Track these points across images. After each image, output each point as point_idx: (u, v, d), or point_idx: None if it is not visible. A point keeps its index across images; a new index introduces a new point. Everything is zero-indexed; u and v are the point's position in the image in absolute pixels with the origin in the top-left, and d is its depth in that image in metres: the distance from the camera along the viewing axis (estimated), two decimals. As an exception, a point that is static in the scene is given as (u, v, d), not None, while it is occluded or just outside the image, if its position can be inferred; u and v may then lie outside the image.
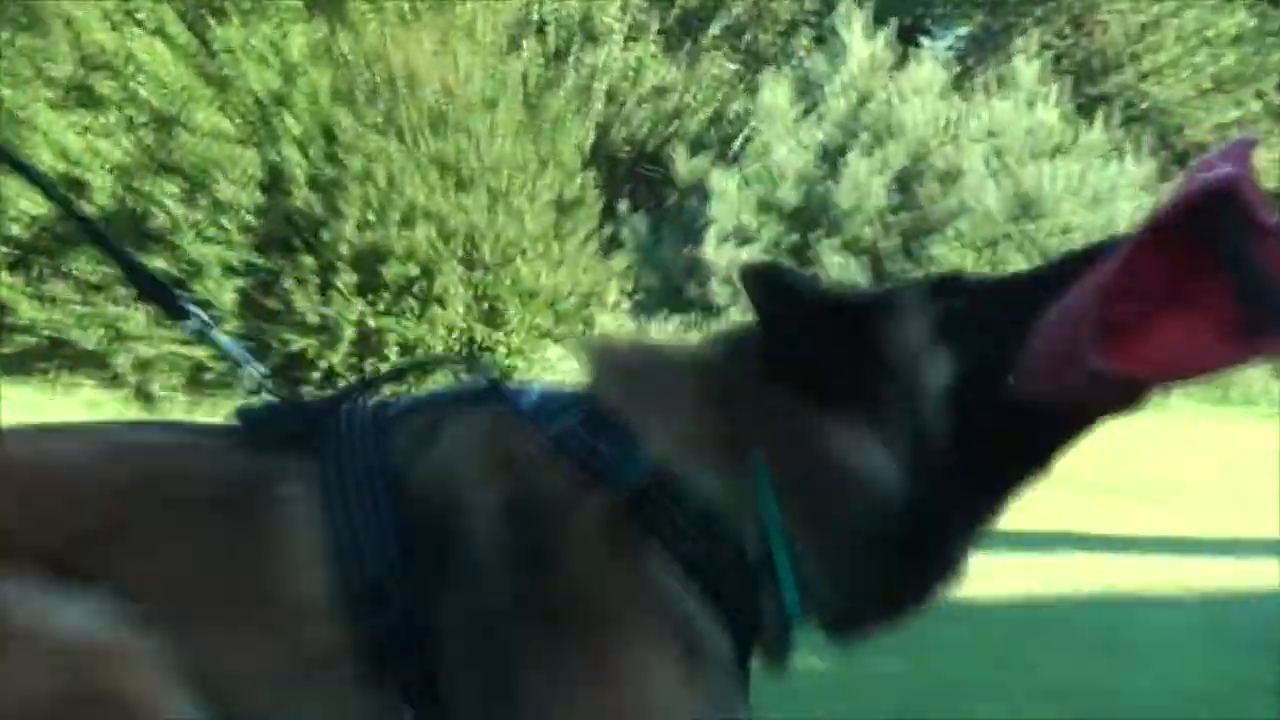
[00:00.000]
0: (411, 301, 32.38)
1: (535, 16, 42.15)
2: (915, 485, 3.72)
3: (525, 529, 3.74)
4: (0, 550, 3.68)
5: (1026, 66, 47.23)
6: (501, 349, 32.38)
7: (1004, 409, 3.72)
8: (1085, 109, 50.16)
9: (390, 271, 32.08)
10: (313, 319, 31.97)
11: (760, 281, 3.81)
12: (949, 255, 40.61)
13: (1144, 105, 50.35)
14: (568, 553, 3.71)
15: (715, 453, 3.74)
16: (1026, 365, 3.68)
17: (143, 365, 32.97)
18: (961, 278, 4.11)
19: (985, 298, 3.92)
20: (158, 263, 31.67)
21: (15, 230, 33.25)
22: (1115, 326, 3.54)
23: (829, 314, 3.81)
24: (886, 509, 3.70)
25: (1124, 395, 3.71)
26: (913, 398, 3.75)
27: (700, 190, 41.66)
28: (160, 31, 33.01)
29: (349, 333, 31.97)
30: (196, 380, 32.51)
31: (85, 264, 32.52)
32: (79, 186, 32.04)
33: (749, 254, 40.57)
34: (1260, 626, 14.05)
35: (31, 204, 31.80)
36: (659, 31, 45.40)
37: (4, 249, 33.69)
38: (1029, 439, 3.79)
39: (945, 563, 3.84)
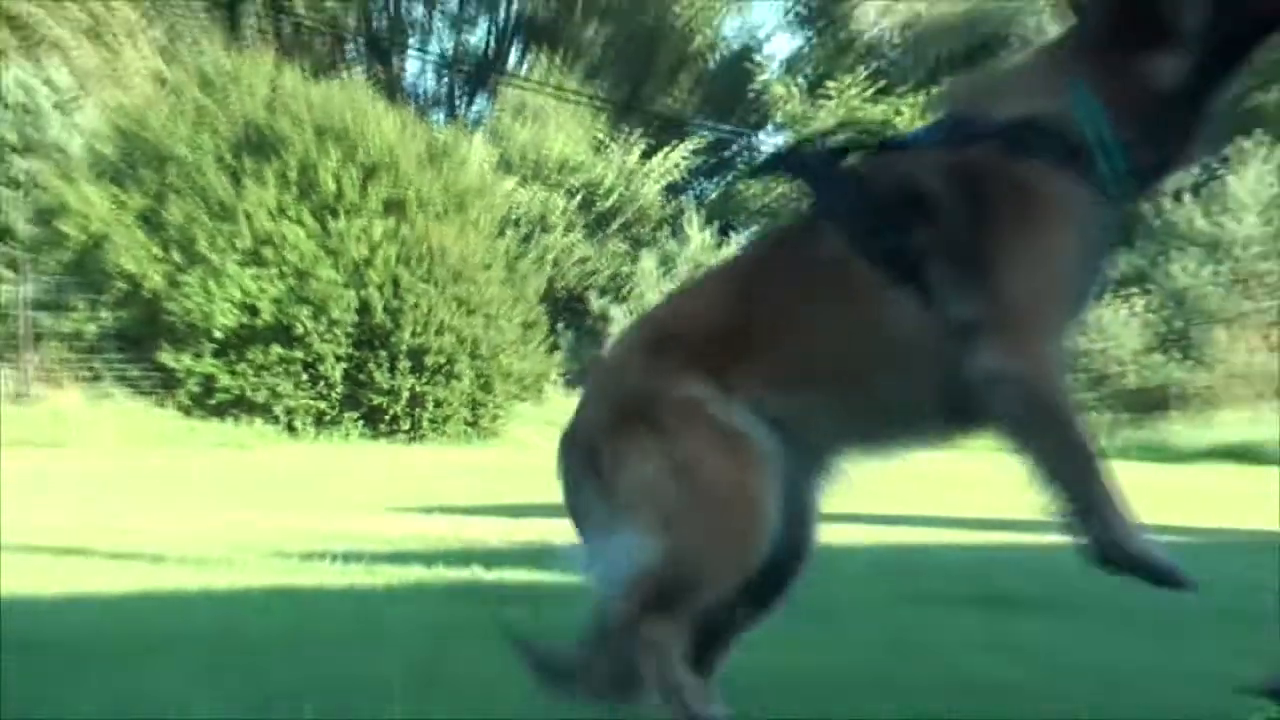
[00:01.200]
0: (440, 377, 37.11)
1: (513, 215, 45.71)
2: (1188, 75, 4.21)
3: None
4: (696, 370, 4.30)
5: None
6: (491, 405, 37.89)
7: (1238, 20, 4.23)
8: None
9: (429, 360, 36.87)
10: (384, 386, 36.90)
11: None
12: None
13: None
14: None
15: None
16: None
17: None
18: None
19: None
20: (297, 353, 36.69)
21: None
22: None
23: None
24: (1174, 94, 4.25)
25: None
26: (1185, 32, 4.20)
27: (605, 318, 44.16)
28: (299, 221, 36.83)
29: (405, 395, 36.89)
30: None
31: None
32: (254, 310, 36.20)
33: None
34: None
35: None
36: (584, 225, 48.77)
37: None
38: (1248, 41, 4.29)
39: (1206, 121, 4.36)
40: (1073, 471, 4.27)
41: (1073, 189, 4.31)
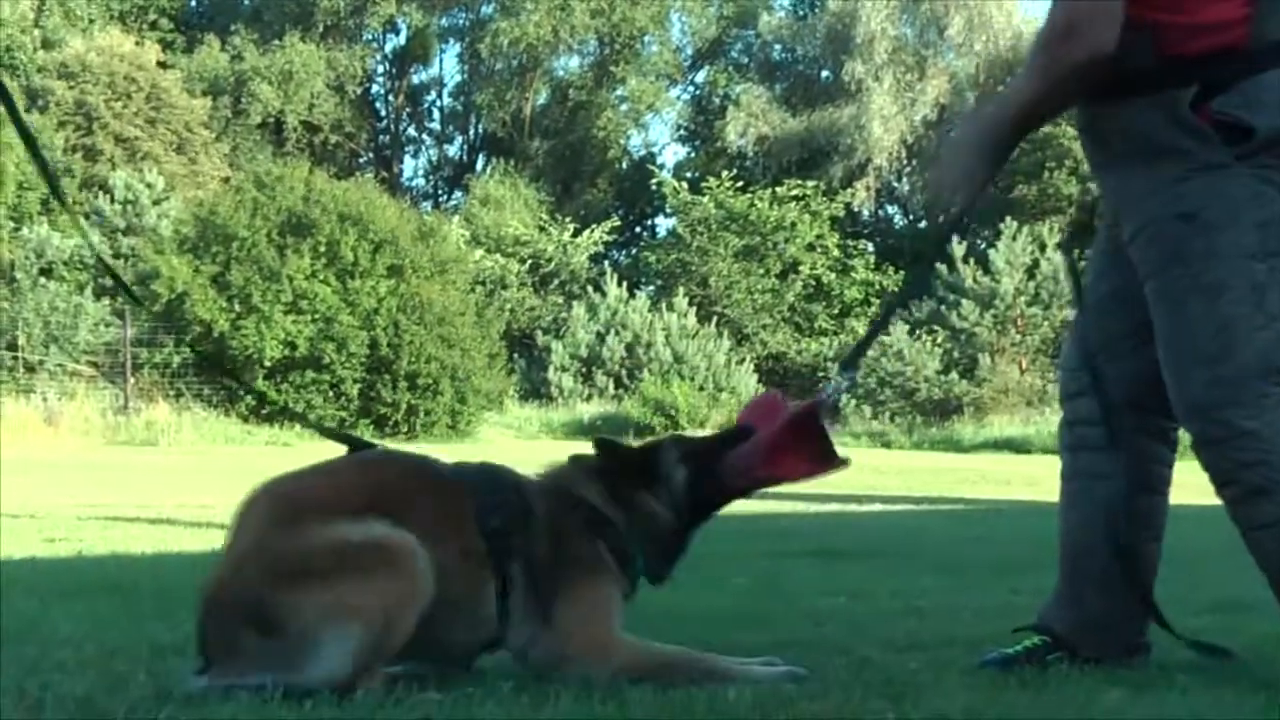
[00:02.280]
0: (429, 393, 36.96)
1: (481, 276, 45.99)
2: (675, 516, 4.36)
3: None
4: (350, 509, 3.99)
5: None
6: (466, 413, 37.61)
7: (711, 489, 4.40)
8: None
9: (420, 381, 36.82)
10: (389, 400, 36.89)
11: (604, 443, 4.40)
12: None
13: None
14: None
15: (612, 504, 4.29)
16: (728, 473, 4.38)
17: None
18: (688, 439, 4.63)
19: (701, 445, 4.52)
20: (325, 377, 36.67)
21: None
22: (767, 457, 4.33)
23: (640, 456, 4.43)
24: (665, 526, 4.34)
25: (766, 485, 4.53)
26: (670, 484, 4.34)
27: (548, 349, 44.31)
28: (326, 281, 36.88)
29: (403, 406, 36.79)
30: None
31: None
32: (293, 346, 36.40)
33: (570, 378, 43.90)
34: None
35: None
36: (532, 284, 49.12)
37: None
38: (717, 499, 4.41)
39: (686, 547, 4.43)
40: (683, 677, 4.13)
41: (617, 575, 4.33)
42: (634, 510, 4.39)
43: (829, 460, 4.41)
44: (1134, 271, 4.33)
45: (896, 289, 49.30)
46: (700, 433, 4.71)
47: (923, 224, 58.24)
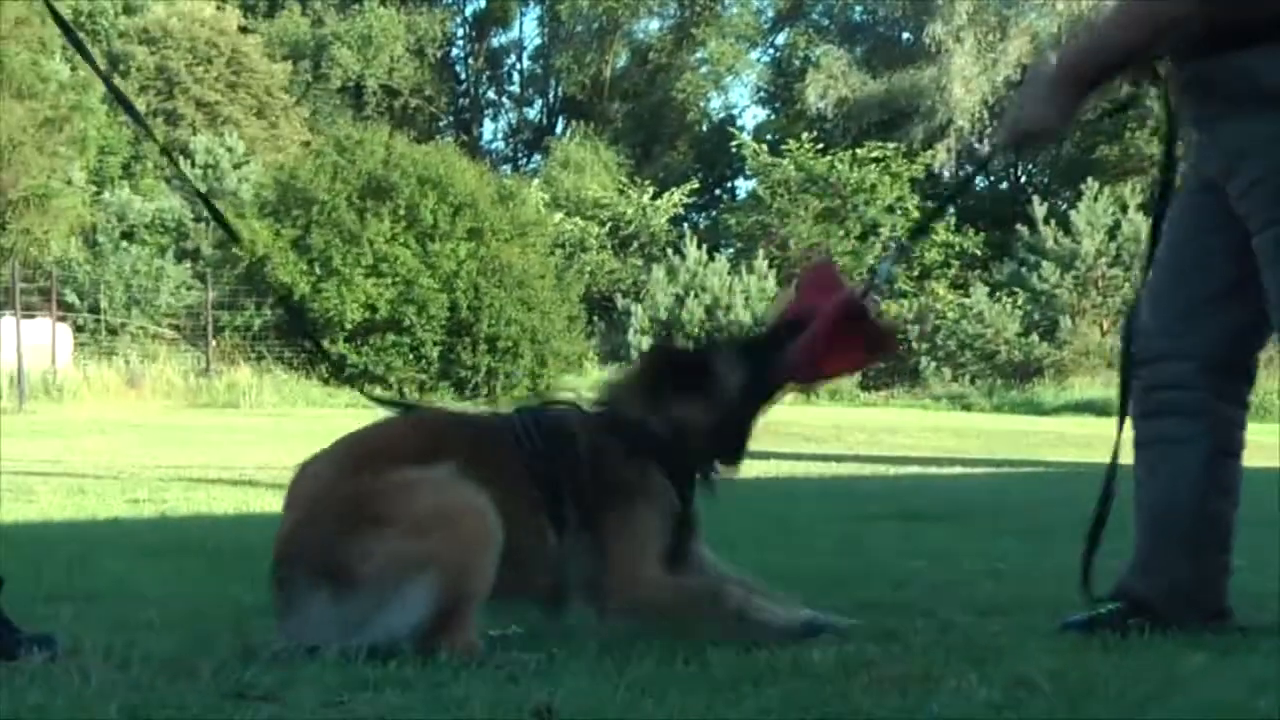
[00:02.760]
0: (508, 357, 37.25)
1: (560, 239, 45.95)
2: (732, 417, 4.40)
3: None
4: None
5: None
6: (546, 377, 37.31)
7: (768, 387, 4.45)
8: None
9: (500, 344, 37.04)
10: (468, 363, 37.02)
11: (659, 350, 4.65)
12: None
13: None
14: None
15: (661, 418, 4.35)
16: (784, 369, 4.43)
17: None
18: (743, 338, 4.70)
19: (757, 343, 4.53)
20: (405, 339, 36.79)
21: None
22: (816, 357, 4.38)
23: (693, 360, 4.48)
24: (722, 429, 4.39)
25: (824, 380, 4.74)
26: (726, 387, 4.36)
27: (627, 313, 43.73)
28: (406, 245, 36.87)
29: (483, 370, 36.93)
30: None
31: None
32: (374, 309, 36.48)
33: (650, 341, 40.57)
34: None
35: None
36: (611, 246, 48.90)
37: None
38: (775, 394, 4.43)
39: (746, 441, 4.46)
40: (717, 623, 4.28)
41: (666, 484, 4.39)
42: (686, 421, 4.43)
43: (883, 345, 4.56)
44: (1225, 233, 4.37)
45: (977, 250, 49.38)
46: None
47: (1004, 185, 58.36)
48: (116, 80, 45.93)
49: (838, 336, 4.42)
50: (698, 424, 4.43)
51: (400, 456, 4.13)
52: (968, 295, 44.91)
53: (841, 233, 49.58)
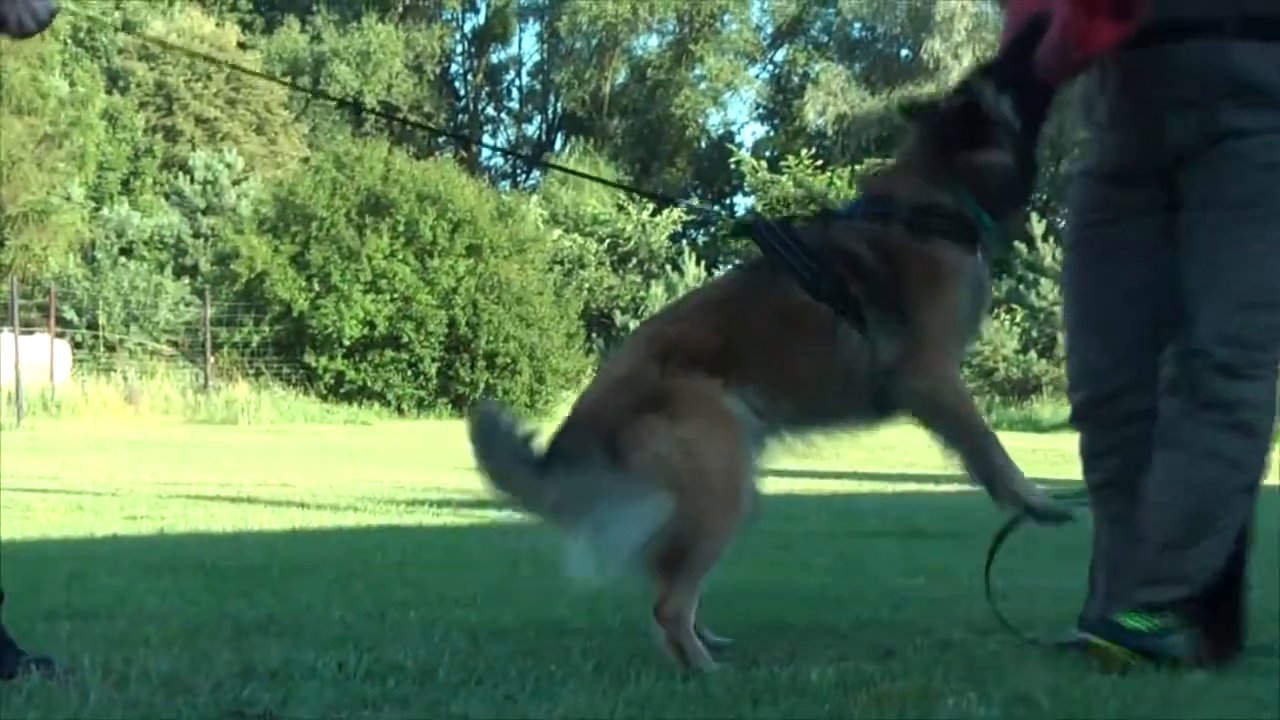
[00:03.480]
0: (507, 373, 37.01)
1: (559, 256, 45.74)
2: (1015, 149, 4.33)
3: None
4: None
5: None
6: (544, 393, 37.38)
7: (1038, 98, 4.39)
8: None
9: (499, 360, 36.90)
10: (467, 379, 36.76)
11: (915, 113, 4.57)
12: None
13: None
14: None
15: (936, 187, 4.33)
16: (1046, 73, 4.30)
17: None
18: (989, 62, 4.63)
19: (1008, 61, 4.45)
20: (404, 355, 36.55)
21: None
22: (1075, 38, 4.18)
23: (961, 110, 4.40)
24: (1008, 166, 4.28)
25: (1083, 66, 4.36)
26: (1000, 120, 4.29)
27: (626, 330, 41.53)
28: (405, 261, 36.74)
29: (481, 386, 36.41)
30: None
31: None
32: (372, 325, 36.24)
33: None
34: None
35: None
36: (610, 263, 48.67)
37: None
38: (1046, 102, 4.42)
39: (1034, 178, 4.47)
40: (974, 448, 4.41)
41: (964, 257, 4.45)
42: (966, 177, 4.45)
43: (1133, 6, 4.28)
44: (1163, 261, 4.48)
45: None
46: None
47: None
48: (115, 96, 46.39)
49: (1083, 14, 4.27)
50: (996, 172, 4.46)
51: (702, 362, 4.27)
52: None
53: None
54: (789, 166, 50.80)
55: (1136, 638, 4.28)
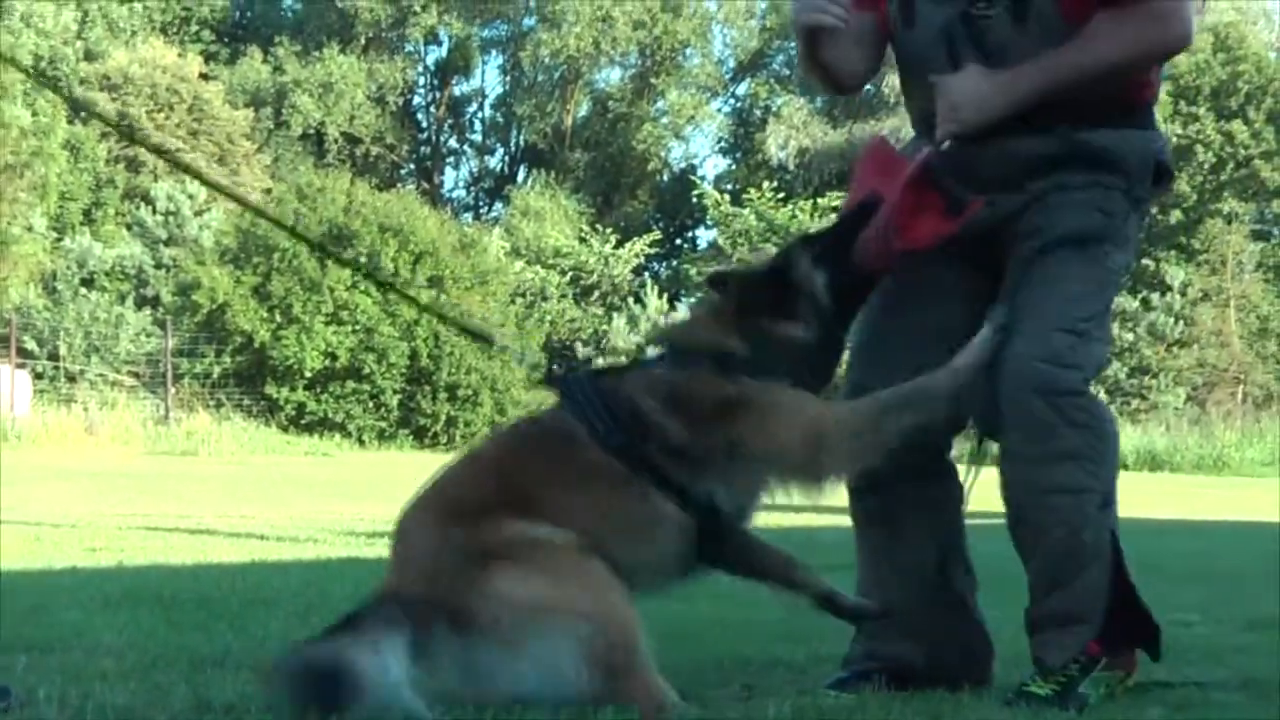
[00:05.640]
0: (468, 404, 37.23)
1: (521, 288, 45.58)
2: (822, 327, 4.21)
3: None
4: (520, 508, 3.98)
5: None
6: (511, 405, 36.54)
7: (854, 282, 4.29)
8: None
9: (460, 392, 37.01)
10: (428, 411, 36.98)
11: (719, 281, 4.31)
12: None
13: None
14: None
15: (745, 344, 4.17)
16: (867, 258, 4.24)
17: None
18: (814, 234, 4.49)
19: (830, 238, 4.36)
20: (365, 387, 36.59)
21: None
22: (897, 228, 4.19)
23: (769, 276, 4.26)
24: (814, 343, 4.13)
25: (900, 258, 4.29)
26: (810, 294, 4.19)
27: (588, 362, 41.84)
28: (367, 292, 36.43)
29: (443, 417, 36.90)
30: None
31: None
32: (334, 356, 36.27)
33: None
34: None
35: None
36: (572, 295, 48.60)
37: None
38: (863, 290, 4.34)
39: (835, 361, 4.33)
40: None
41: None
42: (783, 346, 4.26)
43: (964, 207, 4.32)
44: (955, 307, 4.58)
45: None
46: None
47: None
48: (77, 126, 46.22)
49: (915, 208, 4.30)
50: (794, 345, 4.27)
51: (494, 505, 4.04)
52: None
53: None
54: (751, 200, 50.92)
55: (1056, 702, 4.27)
